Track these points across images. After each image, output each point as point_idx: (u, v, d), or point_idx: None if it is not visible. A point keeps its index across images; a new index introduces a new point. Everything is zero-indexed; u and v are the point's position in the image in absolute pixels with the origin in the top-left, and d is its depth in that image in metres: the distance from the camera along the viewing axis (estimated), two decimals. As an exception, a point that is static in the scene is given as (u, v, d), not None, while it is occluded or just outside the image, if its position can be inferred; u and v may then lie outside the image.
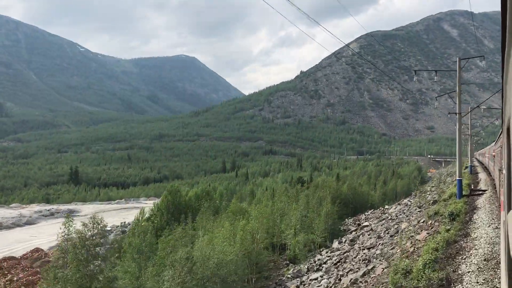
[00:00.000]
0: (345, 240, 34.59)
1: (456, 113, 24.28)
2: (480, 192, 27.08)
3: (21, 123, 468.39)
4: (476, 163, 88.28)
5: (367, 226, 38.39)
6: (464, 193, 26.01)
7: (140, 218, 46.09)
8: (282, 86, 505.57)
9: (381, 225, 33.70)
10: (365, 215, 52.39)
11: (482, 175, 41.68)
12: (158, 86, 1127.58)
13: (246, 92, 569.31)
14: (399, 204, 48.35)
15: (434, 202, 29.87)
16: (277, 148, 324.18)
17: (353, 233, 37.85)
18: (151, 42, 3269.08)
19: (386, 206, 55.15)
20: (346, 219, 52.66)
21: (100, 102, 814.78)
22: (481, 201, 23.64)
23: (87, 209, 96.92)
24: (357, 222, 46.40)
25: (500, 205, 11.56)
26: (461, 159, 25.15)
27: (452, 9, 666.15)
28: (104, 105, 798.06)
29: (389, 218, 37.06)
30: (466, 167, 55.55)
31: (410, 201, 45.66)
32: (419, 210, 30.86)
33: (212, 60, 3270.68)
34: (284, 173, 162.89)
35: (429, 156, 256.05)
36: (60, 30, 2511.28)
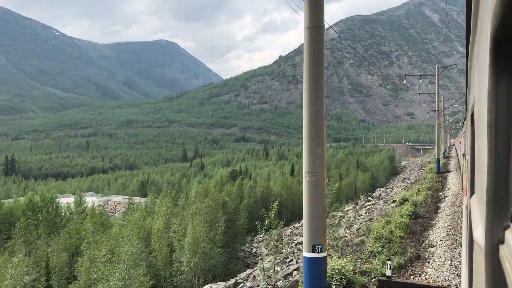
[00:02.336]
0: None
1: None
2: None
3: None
4: (453, 153, 74.78)
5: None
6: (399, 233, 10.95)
7: None
8: (260, 71, 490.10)
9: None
10: (293, 227, 37.94)
11: (452, 179, 27.27)
12: (135, 72, 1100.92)
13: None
14: (341, 211, 34.08)
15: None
16: (250, 135, 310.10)
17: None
18: (132, 27, 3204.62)
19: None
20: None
21: (74, 88, 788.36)
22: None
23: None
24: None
25: (462, 190, 11.23)
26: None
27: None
28: (78, 91, 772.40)
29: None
30: (443, 156, 41.38)
31: (348, 211, 31.28)
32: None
33: (194, 45, 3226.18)
34: (247, 163, 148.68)
35: (407, 143, 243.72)
36: (38, 14, 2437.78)
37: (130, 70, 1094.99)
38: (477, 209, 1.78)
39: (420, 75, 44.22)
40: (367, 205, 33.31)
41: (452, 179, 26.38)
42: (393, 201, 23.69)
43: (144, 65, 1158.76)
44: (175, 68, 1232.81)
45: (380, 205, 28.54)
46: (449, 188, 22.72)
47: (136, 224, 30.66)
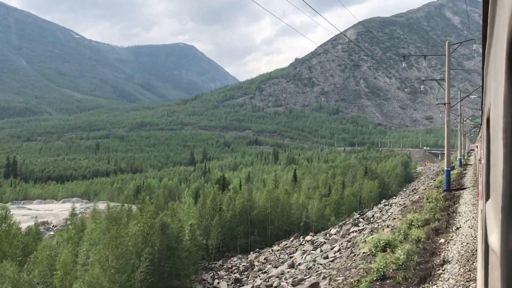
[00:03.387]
0: None
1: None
2: None
3: (1, 110, 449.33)
4: (472, 160, 67.85)
5: None
6: None
7: None
8: (275, 74, 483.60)
9: None
10: (271, 251, 31.66)
11: (465, 205, 19.44)
12: (153, 74, 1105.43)
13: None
14: (325, 235, 27.69)
15: None
16: (263, 138, 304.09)
17: None
18: (152, 30, 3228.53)
19: (310, 236, 34.57)
20: (241, 256, 31.99)
21: (92, 90, 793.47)
22: None
23: None
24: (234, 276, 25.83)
25: (478, 194, 10.30)
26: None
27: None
28: (95, 93, 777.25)
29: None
30: (454, 168, 34.73)
31: (330, 237, 24.91)
32: None
33: (213, 48, 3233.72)
34: (254, 167, 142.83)
35: (424, 148, 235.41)
36: (59, 17, 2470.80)
37: (148, 73, 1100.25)
38: (493, 214, 1.78)
39: (424, 55, 37.58)
40: (352, 232, 26.99)
41: (466, 205, 18.97)
42: (365, 240, 17.24)
43: (162, 68, 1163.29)
44: (193, 71, 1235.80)
45: (363, 235, 22.30)
46: (458, 228, 14.86)
47: (42, 251, 23.80)
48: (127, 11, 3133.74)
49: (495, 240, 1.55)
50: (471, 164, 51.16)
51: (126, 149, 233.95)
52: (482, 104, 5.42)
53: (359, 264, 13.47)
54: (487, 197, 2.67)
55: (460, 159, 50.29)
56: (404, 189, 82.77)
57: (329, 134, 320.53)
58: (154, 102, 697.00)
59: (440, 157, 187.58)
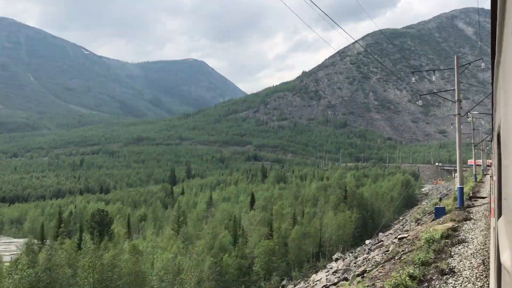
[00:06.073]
0: None
1: None
2: None
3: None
4: (487, 185, 48.92)
5: None
6: None
7: None
8: (281, 87, 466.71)
9: None
10: None
11: None
12: (162, 90, 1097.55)
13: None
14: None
15: None
16: (264, 153, 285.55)
17: None
18: (165, 47, 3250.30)
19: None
20: None
21: (98, 106, 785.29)
22: None
23: None
24: None
25: (490, 212, 10.77)
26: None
27: (467, 7, 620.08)
28: (102, 108, 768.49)
29: None
30: (444, 211, 16.75)
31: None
32: None
33: (226, 65, 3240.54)
34: (237, 187, 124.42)
35: (437, 163, 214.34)
36: (75, 35, 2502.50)
37: (157, 88, 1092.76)
38: (505, 232, 1.74)
39: (434, 69, 20.28)
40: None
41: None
42: None
43: (171, 83, 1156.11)
44: (202, 86, 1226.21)
45: None
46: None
47: None
48: (142, 29, 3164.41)
49: (507, 259, 1.50)
50: (484, 197, 30.82)
51: (112, 166, 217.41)
52: (492, 120, 5.31)
53: None
54: (499, 214, 2.59)
55: (461, 189, 28.66)
56: (401, 218, 63.66)
57: (334, 149, 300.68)
58: (161, 117, 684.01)
59: (453, 174, 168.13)
